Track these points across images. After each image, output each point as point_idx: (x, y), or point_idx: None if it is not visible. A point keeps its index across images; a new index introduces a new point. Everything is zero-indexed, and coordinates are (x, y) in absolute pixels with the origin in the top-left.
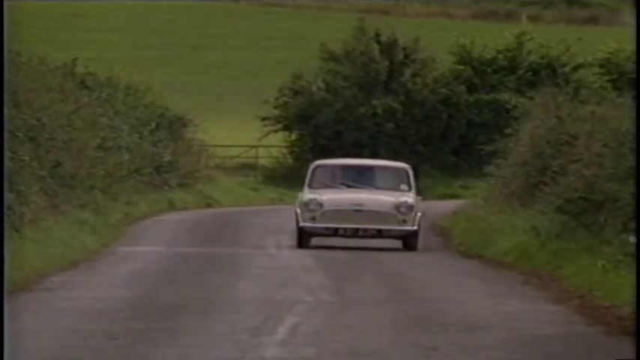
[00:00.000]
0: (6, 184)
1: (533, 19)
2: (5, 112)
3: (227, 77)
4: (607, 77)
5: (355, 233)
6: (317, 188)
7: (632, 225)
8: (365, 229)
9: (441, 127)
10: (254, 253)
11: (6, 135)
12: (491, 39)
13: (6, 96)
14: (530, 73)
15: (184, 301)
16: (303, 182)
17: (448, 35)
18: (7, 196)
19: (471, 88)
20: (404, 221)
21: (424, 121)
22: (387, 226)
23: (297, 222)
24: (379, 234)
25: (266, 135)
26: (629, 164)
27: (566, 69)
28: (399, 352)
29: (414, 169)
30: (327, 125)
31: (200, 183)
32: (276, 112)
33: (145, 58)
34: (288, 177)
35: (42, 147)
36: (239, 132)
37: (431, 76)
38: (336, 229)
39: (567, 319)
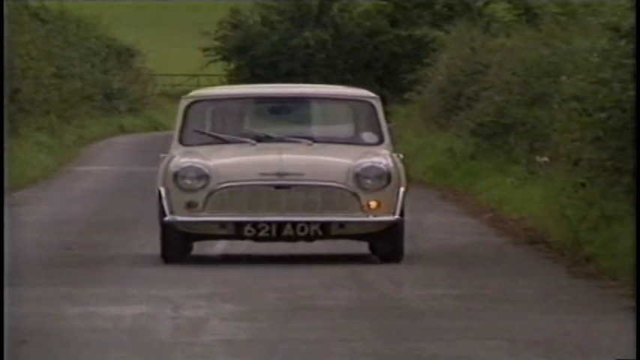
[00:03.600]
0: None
1: None
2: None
3: (171, 11)
4: (515, 12)
5: (277, 232)
6: (197, 145)
7: (538, 146)
8: (295, 224)
9: (366, 57)
10: None
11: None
12: None
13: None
14: (446, 9)
15: (136, 216)
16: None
17: None
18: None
19: (393, 23)
20: (374, 205)
21: (352, 52)
22: (341, 217)
23: (162, 212)
24: (325, 233)
25: (207, 65)
26: (535, 91)
27: (479, 4)
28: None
29: (383, 101)
30: (264, 56)
31: (147, 108)
32: (216, 43)
33: None
34: None
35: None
36: (182, 62)
37: (356, 11)
38: (239, 226)
39: (479, 231)
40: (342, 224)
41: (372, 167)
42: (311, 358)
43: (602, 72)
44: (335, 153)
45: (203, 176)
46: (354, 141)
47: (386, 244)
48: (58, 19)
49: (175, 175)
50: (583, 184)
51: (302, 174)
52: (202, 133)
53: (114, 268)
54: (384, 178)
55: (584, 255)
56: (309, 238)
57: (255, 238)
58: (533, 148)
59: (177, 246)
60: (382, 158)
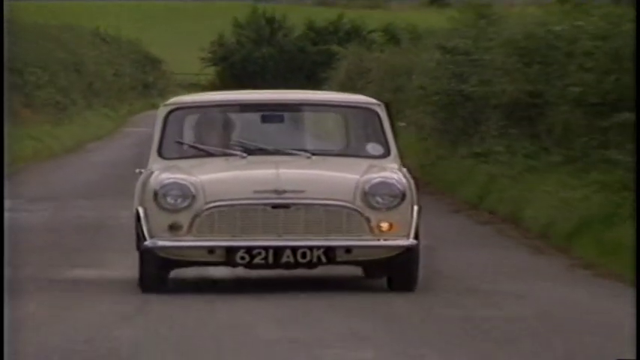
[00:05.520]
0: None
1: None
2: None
3: (179, 30)
4: (386, 37)
5: (274, 259)
6: (179, 158)
7: (400, 116)
8: (295, 250)
9: (299, 64)
10: None
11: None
12: (324, 18)
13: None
14: (346, 34)
15: None
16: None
17: (301, 15)
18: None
19: (315, 43)
20: (385, 227)
21: (290, 61)
22: (348, 240)
23: (140, 236)
24: (329, 259)
25: (204, 68)
26: (397, 83)
27: (365, 32)
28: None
29: (388, 108)
30: (238, 63)
31: (168, 94)
32: (209, 55)
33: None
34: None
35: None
36: (189, 65)
37: (293, 36)
38: (230, 252)
39: None
40: (348, 249)
41: (382, 183)
42: None
43: (436, 72)
44: (338, 167)
45: (188, 195)
46: (356, 153)
47: (399, 270)
48: (115, 41)
49: (156, 194)
50: (425, 139)
51: (302, 191)
52: (185, 144)
53: None
54: (398, 196)
55: (424, 181)
56: (310, 265)
57: (249, 266)
58: (397, 118)
59: (157, 274)
60: (393, 173)
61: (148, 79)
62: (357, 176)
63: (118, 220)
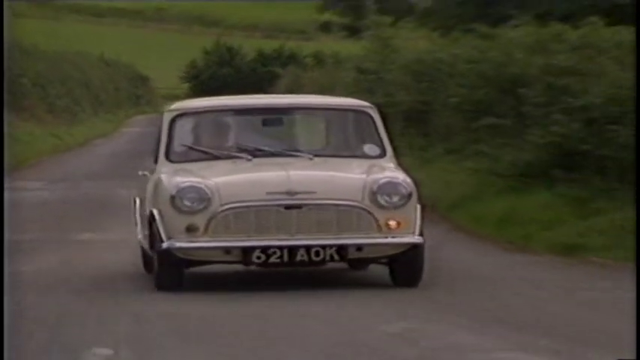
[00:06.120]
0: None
1: (269, 35)
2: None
3: (162, 54)
4: (315, 61)
5: (289, 258)
6: (186, 161)
7: None
8: (309, 249)
9: (252, 80)
10: None
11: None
12: (270, 47)
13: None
14: (287, 59)
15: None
16: (156, 149)
17: (253, 45)
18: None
19: (264, 64)
20: (393, 225)
21: (245, 78)
22: (358, 238)
23: (157, 238)
24: (341, 257)
25: (182, 83)
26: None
27: (300, 57)
28: None
29: (380, 110)
30: (207, 80)
31: (154, 103)
32: (184, 74)
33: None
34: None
35: (91, 90)
36: (169, 81)
37: (248, 58)
38: (246, 252)
39: None
40: (359, 247)
41: (389, 183)
42: None
43: (352, 87)
44: (342, 168)
45: (204, 197)
46: (355, 154)
47: (405, 267)
48: (115, 63)
49: (172, 197)
50: None
51: (313, 192)
52: (191, 148)
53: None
54: (405, 195)
55: None
56: (323, 263)
57: (265, 265)
58: None
59: (174, 273)
60: (398, 173)
61: (138, 92)
62: (363, 176)
63: (118, 197)
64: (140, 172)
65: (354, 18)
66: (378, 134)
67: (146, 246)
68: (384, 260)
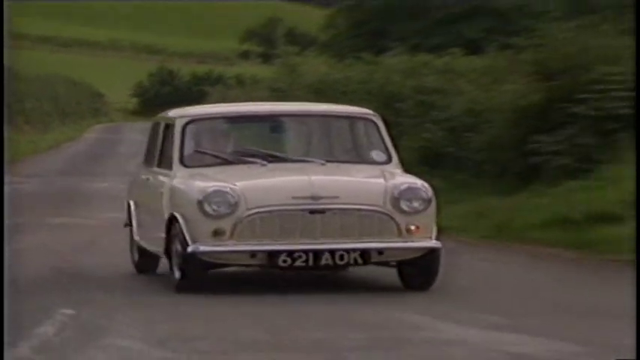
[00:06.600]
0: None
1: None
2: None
3: (116, 74)
4: (238, 82)
5: (314, 261)
6: (200, 166)
7: None
8: (333, 252)
9: (188, 99)
10: None
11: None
12: (202, 70)
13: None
14: (215, 80)
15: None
16: (162, 154)
17: (188, 69)
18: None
19: (197, 85)
20: (414, 229)
21: (182, 97)
22: (380, 242)
23: (178, 242)
24: (364, 260)
25: (130, 99)
26: None
27: (226, 79)
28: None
29: (384, 118)
30: (151, 97)
31: (108, 114)
32: (134, 92)
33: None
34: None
35: (59, 105)
36: (120, 97)
37: (184, 81)
38: (272, 256)
39: None
40: (381, 251)
41: (410, 189)
42: None
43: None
44: (358, 173)
45: (231, 202)
46: (363, 160)
47: (421, 271)
48: (80, 84)
49: (200, 202)
50: None
51: (337, 197)
52: (205, 153)
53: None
54: (426, 199)
55: None
56: (347, 267)
57: (291, 268)
58: None
59: (199, 276)
60: (414, 178)
61: (96, 106)
62: (382, 181)
63: (88, 189)
64: (143, 177)
65: (268, 48)
66: (383, 141)
67: (154, 249)
68: (393, 263)
